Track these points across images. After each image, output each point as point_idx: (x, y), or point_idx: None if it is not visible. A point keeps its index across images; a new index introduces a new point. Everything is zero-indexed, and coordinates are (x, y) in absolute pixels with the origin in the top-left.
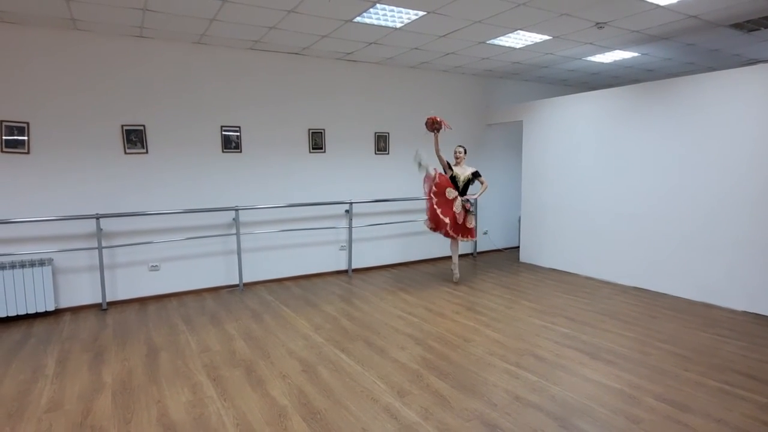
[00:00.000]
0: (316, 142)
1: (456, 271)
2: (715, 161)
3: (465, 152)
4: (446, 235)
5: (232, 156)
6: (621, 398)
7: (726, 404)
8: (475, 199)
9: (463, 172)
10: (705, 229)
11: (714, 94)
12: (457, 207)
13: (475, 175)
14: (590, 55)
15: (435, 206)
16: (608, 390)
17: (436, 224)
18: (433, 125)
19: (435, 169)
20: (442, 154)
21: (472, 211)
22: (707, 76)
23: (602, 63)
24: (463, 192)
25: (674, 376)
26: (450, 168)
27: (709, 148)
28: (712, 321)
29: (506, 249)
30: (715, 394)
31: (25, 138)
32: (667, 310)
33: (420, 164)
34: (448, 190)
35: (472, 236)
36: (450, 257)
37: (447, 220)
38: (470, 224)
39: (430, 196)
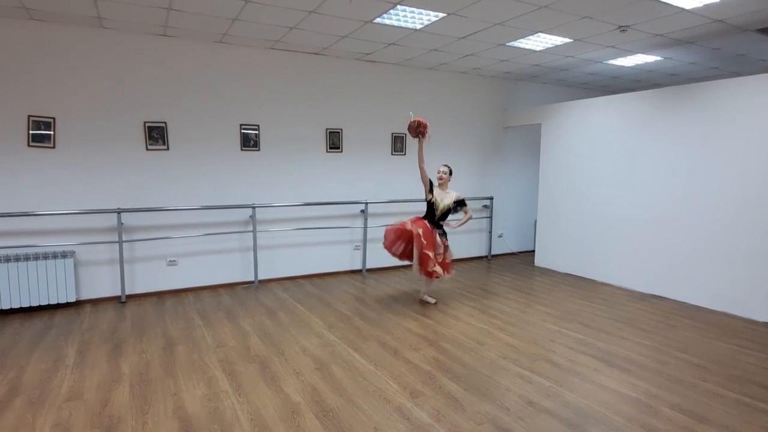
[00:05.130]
0: (334, 141)
1: (428, 298)
2: (738, 168)
3: (450, 173)
4: (424, 273)
5: (250, 154)
6: (637, 407)
7: (745, 416)
8: (452, 228)
9: (443, 198)
10: (726, 238)
11: (738, 100)
12: (439, 248)
13: (459, 204)
14: (612, 59)
15: (424, 249)
16: (624, 398)
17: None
18: (417, 129)
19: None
20: (425, 166)
21: (448, 245)
22: (732, 82)
23: (624, 66)
24: (440, 219)
25: (692, 386)
26: (431, 190)
27: (732, 155)
28: (732, 331)
29: (521, 252)
30: (734, 406)
31: (51, 133)
32: (685, 318)
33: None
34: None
35: (448, 272)
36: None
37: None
38: (448, 259)
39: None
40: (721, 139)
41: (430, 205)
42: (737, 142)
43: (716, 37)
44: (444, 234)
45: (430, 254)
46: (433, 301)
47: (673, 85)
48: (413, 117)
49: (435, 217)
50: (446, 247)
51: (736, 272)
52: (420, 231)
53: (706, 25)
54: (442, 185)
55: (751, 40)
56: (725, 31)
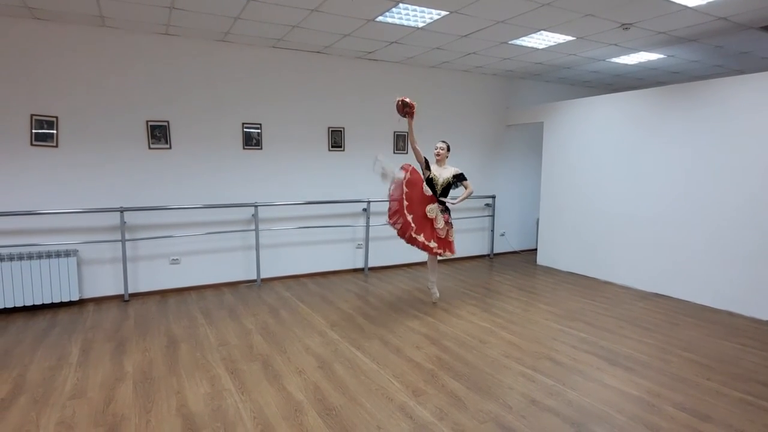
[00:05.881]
0: (336, 140)
1: (435, 290)
2: (741, 166)
3: (448, 149)
4: (423, 249)
5: (252, 153)
6: (640, 405)
7: (748, 415)
8: (453, 205)
9: (442, 173)
10: (729, 236)
11: (741, 98)
12: (439, 222)
13: (459, 178)
14: (614, 57)
15: (410, 222)
16: (626, 397)
17: (405, 236)
18: (404, 108)
19: (403, 168)
20: (418, 146)
21: (451, 222)
22: (735, 80)
23: (626, 64)
24: (441, 195)
25: (695, 384)
26: (428, 167)
27: (735, 153)
28: (735, 330)
29: (523, 251)
30: (737, 405)
31: (54, 132)
32: (688, 317)
33: (384, 173)
34: (429, 207)
35: (451, 251)
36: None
37: (422, 239)
38: (451, 237)
39: (401, 203)
40: (724, 137)
41: (430, 182)
42: (740, 140)
43: (719, 35)
44: (446, 210)
45: (419, 237)
46: (434, 298)
47: (676, 83)
48: (398, 98)
49: (436, 193)
50: (449, 224)
51: (739, 271)
52: (411, 217)
53: (709, 23)
54: (440, 161)
55: (754, 38)
56: (728, 28)
